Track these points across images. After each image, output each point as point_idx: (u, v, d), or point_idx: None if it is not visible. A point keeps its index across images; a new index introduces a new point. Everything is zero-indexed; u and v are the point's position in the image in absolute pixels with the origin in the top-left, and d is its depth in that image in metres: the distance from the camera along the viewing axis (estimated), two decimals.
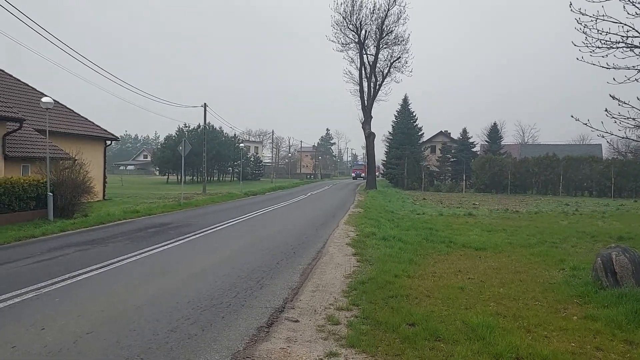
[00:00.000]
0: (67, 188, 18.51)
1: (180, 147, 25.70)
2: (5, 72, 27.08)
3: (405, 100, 64.04)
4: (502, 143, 64.75)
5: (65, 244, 12.27)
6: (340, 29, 46.39)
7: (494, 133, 63.39)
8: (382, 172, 74.39)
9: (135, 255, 10.63)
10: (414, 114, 63.78)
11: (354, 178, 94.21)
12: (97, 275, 8.77)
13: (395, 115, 64.82)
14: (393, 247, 11.58)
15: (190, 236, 13.62)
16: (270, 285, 8.12)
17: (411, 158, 56.66)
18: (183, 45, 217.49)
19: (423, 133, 65.61)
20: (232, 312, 6.59)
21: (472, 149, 63.40)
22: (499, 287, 7.97)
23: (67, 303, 6.99)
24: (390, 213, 22.07)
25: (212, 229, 15.36)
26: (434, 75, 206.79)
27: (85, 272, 8.87)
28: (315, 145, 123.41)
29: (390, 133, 65.80)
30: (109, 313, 6.53)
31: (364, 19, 45.87)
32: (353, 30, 46.28)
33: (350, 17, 45.77)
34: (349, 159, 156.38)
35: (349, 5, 45.90)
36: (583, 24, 8.98)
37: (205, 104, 41.97)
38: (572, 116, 9.53)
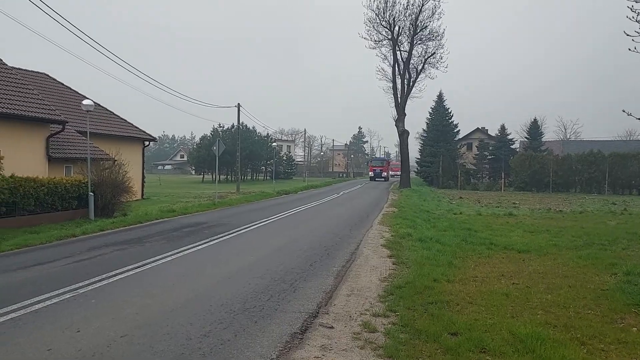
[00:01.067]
0: (107, 188, 18.87)
1: (215, 147, 25.89)
2: (49, 76, 27.95)
3: (440, 96, 62.96)
4: (543, 139, 62.77)
5: (104, 243, 12.43)
6: (373, 26, 45.91)
7: (534, 129, 61.52)
8: (415, 170, 73.36)
9: (171, 255, 10.65)
10: (449, 111, 62.63)
11: (372, 179, 70.72)
12: (133, 275, 8.79)
13: (429, 112, 63.84)
14: (430, 249, 11.20)
15: (224, 236, 13.60)
16: (304, 288, 7.93)
17: (446, 156, 55.61)
18: (217, 46, 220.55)
19: (459, 130, 64.39)
20: (265, 316, 6.43)
21: (511, 146, 61.73)
22: (547, 294, 7.53)
23: (103, 304, 6.98)
24: (426, 213, 21.55)
25: (246, 228, 15.32)
26: (471, 70, 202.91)
27: (121, 273, 8.91)
28: (348, 143, 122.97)
29: (424, 130, 64.90)
30: (143, 316, 6.47)
31: (397, 15, 45.25)
32: (386, 27, 45.70)
33: (383, 13, 45.23)
34: (382, 156, 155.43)
35: (381, 1, 45.25)
36: (637, 11, 8.40)
37: (238, 104, 42.29)
38: (623, 110, 8.97)
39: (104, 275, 8.64)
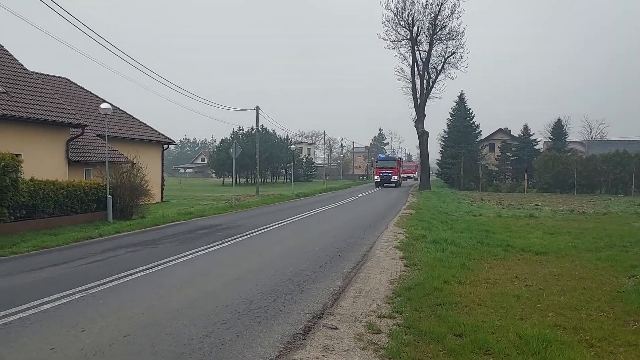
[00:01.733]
0: (125, 191, 19.12)
1: (232, 150, 26.04)
2: (70, 81, 28.53)
3: (461, 97, 62.25)
4: (567, 140, 61.55)
5: (119, 245, 12.57)
6: (392, 26, 45.61)
7: (558, 129, 60.36)
8: (436, 172, 72.13)
9: (182, 256, 10.70)
10: (470, 111, 61.86)
11: (379, 183, 54.62)
12: (143, 276, 8.84)
13: (450, 113, 63.16)
14: (444, 251, 11.02)
15: (238, 238, 13.62)
16: (311, 289, 7.86)
17: (468, 157, 54.92)
18: (237, 48, 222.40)
19: (480, 131, 63.57)
20: (269, 317, 6.38)
21: (534, 147, 60.62)
22: (560, 296, 7.31)
23: (110, 305, 7.03)
24: (444, 214, 21.28)
25: (260, 230, 15.33)
26: (494, 70, 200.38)
27: (131, 274, 8.97)
28: (368, 145, 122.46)
29: (445, 131, 64.19)
30: (148, 316, 6.49)
31: (416, 14, 44.89)
32: (405, 27, 45.40)
33: (402, 13, 44.94)
34: (404, 159, 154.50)
35: (400, 1, 44.88)
36: None
37: (257, 106, 42.51)
38: None
39: (114, 277, 8.71)
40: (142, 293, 7.71)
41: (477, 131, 62.67)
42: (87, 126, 21.31)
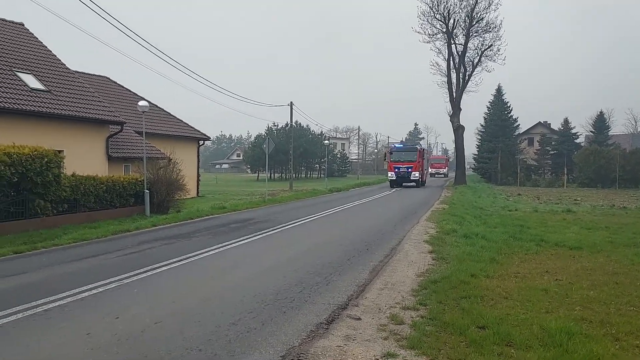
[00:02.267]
0: (162, 186, 19.66)
1: (265, 145, 26.38)
2: (110, 79, 29.48)
3: (498, 90, 60.93)
4: (610, 133, 59.37)
5: (154, 237, 12.99)
6: (427, 19, 44.91)
7: (600, 122, 58.29)
8: (472, 167, 70.18)
9: (214, 249, 10.99)
10: (508, 105, 60.50)
11: (394, 182, 40.77)
12: (176, 268, 9.14)
13: (487, 107, 61.91)
14: (474, 245, 10.92)
15: (269, 231, 13.86)
16: (338, 281, 7.96)
17: (505, 151, 53.74)
18: (271, 45, 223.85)
19: (519, 124, 62.11)
20: (294, 307, 6.52)
21: (575, 141, 58.79)
22: (589, 290, 7.17)
23: (144, 294, 7.33)
24: (479, 209, 21.00)
25: (291, 224, 15.53)
26: (532, 62, 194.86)
27: (165, 265, 9.29)
28: (403, 140, 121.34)
29: (482, 125, 63.00)
30: (179, 304, 6.75)
31: (451, 7, 44.09)
32: (440, 20, 44.69)
33: (437, 6, 44.24)
34: (439, 153, 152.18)
35: None
36: None
37: (291, 102, 42.77)
38: None
39: (149, 268, 9.04)
40: (174, 283, 8.00)
41: (515, 125, 61.24)
42: (126, 123, 21.99)
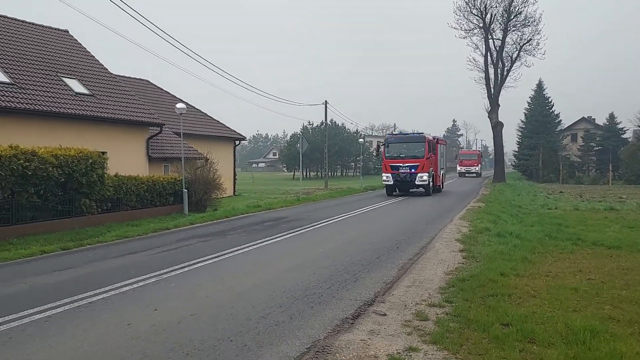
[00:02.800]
0: (199, 185, 20.27)
1: (299, 145, 26.69)
2: (149, 82, 30.47)
3: (539, 85, 59.46)
4: None
5: (192, 235, 13.46)
6: (463, 15, 44.22)
7: None
8: (512, 164, 68.12)
9: (247, 246, 11.33)
10: (549, 100, 58.95)
11: (391, 189, 28.77)
12: (211, 264, 9.51)
13: (528, 102, 60.56)
14: (507, 244, 10.83)
15: (301, 230, 14.12)
16: (366, 279, 8.12)
17: (547, 148, 52.43)
18: (306, 43, 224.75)
19: (560, 120, 60.48)
20: (322, 302, 6.73)
21: (622, 136, 56.71)
22: (622, 289, 7.06)
23: (180, 288, 7.70)
24: (517, 208, 20.66)
25: (323, 222, 15.75)
26: (575, 55, 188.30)
27: (201, 261, 9.67)
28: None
29: (522, 121, 61.59)
30: (213, 298, 7.07)
31: (488, 2, 43.30)
32: (477, 15, 43.96)
33: (474, 1, 43.54)
34: (479, 150, 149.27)
35: None
36: None
37: (325, 101, 43.03)
38: None
39: (185, 263, 9.44)
40: (208, 278, 8.34)
41: (556, 120, 59.67)
42: (165, 125, 22.75)
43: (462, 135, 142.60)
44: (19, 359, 4.96)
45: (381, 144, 29.73)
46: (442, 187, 32.72)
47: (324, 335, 5.49)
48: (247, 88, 73.48)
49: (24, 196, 13.04)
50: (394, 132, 34.89)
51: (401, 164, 27.44)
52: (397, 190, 28.68)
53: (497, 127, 44.98)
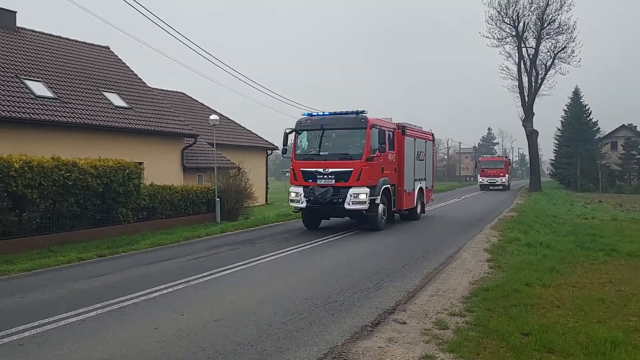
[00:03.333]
0: (231, 194, 20.64)
1: None
2: (185, 94, 31.35)
3: (576, 92, 57.99)
4: None
5: (222, 243, 13.78)
6: (495, 23, 43.75)
7: None
8: (549, 172, 65.87)
9: (274, 254, 11.53)
10: (586, 107, 57.41)
11: (308, 217, 16.48)
12: (237, 271, 9.74)
13: (564, 110, 59.10)
14: (536, 254, 10.69)
15: (328, 238, 14.21)
16: (388, 287, 8.17)
17: (585, 156, 50.92)
18: (337, 54, 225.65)
19: (599, 128, 58.74)
20: (342, 310, 6.83)
21: None
22: None
23: (207, 294, 7.95)
24: (551, 218, 20.26)
25: (350, 232, 15.80)
26: (612, 62, 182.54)
27: (228, 269, 9.91)
28: (476, 146, 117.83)
29: (559, 129, 60.14)
30: (236, 305, 7.27)
31: (521, 10, 42.74)
32: (509, 24, 43.45)
33: (506, 10, 43.06)
34: (516, 159, 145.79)
35: None
36: None
37: (357, 110, 43.16)
38: None
39: (213, 271, 9.70)
40: (234, 285, 8.58)
41: (595, 128, 58.01)
42: (199, 136, 23.35)
43: (497, 143, 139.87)
44: (53, 359, 5.26)
45: (289, 131, 16.57)
46: (419, 211, 19.79)
47: (341, 341, 5.60)
48: (277, 98, 74.34)
49: (64, 205, 13.64)
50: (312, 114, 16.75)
51: (320, 170, 15.45)
52: (310, 220, 16.89)
53: (531, 136, 44.16)
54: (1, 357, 5.41)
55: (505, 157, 58.54)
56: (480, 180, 49.18)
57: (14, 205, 12.60)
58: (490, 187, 47.15)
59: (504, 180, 47.63)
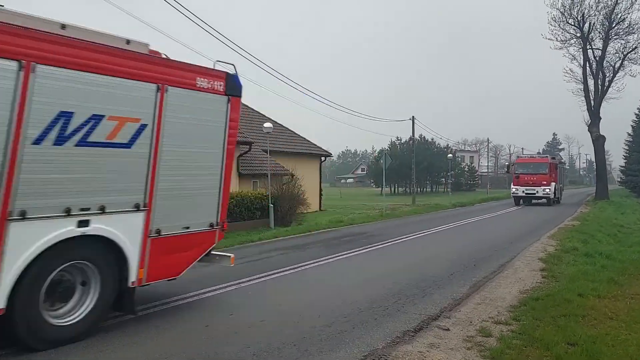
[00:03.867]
0: (285, 200, 21.09)
1: (382, 161, 26.85)
2: (241, 103, 32.28)
3: None
4: None
5: (273, 248, 14.11)
6: (559, 25, 42.04)
7: None
8: (619, 180, 62.04)
9: (323, 260, 11.71)
10: None
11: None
12: (287, 275, 9.99)
13: (636, 114, 55.78)
14: (594, 265, 10.28)
15: (378, 245, 14.24)
16: (434, 294, 8.13)
17: None
18: (394, 61, 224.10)
19: None
20: (386, 315, 6.90)
21: None
22: None
23: (256, 296, 8.23)
24: (618, 227, 19.30)
25: (402, 239, 15.74)
26: None
27: (278, 272, 10.18)
28: (540, 152, 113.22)
29: (629, 135, 56.94)
30: (284, 306, 7.50)
31: (586, 10, 40.84)
32: (574, 25, 41.60)
33: (570, 10, 41.28)
34: (583, 165, 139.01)
35: None
36: None
37: (413, 117, 42.82)
38: None
39: (264, 274, 9.99)
40: (282, 288, 8.82)
41: None
42: (253, 143, 23.99)
43: (563, 149, 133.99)
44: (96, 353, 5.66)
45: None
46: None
47: (382, 345, 5.68)
48: (330, 105, 74.85)
49: None
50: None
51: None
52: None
53: (598, 141, 42.03)
54: None
55: (552, 157, 38.78)
56: (513, 190, 35.03)
57: None
58: (526, 201, 34.91)
59: (547, 190, 33.48)
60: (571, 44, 42.72)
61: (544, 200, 34.61)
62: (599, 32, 41.39)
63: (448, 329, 6.26)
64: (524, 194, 34.34)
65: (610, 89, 42.43)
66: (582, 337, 5.55)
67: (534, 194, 34.10)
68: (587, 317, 6.48)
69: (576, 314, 6.60)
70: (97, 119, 5.75)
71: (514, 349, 5.34)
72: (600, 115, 42.47)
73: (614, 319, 6.41)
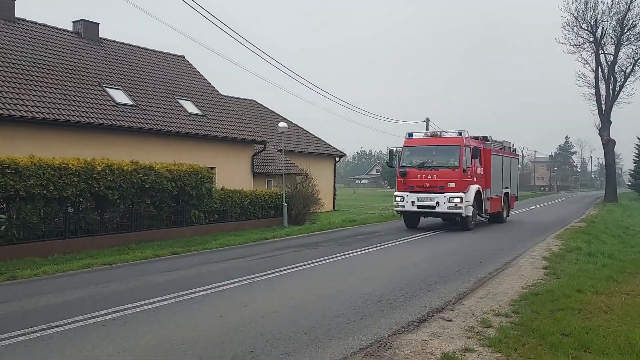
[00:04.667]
0: (299, 199, 21.48)
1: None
2: (256, 102, 32.82)
3: None
4: None
5: (287, 245, 14.55)
6: (572, 29, 42.27)
7: None
8: (629, 183, 61.65)
9: (335, 257, 12.13)
10: None
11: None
12: (299, 271, 10.42)
13: None
14: (596, 263, 10.59)
15: (389, 243, 14.64)
16: (440, 289, 8.51)
17: None
18: (407, 63, 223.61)
19: None
20: (393, 307, 7.29)
21: None
22: None
23: (269, 289, 8.66)
24: (623, 229, 19.56)
25: (413, 237, 16.10)
26: None
27: (291, 268, 10.60)
28: (552, 155, 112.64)
29: (639, 139, 56.73)
30: (295, 300, 7.91)
31: (599, 15, 41.07)
32: (587, 30, 41.84)
33: (583, 15, 41.50)
34: (595, 168, 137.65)
35: (581, 3, 41.43)
36: None
37: (427, 118, 43.26)
38: None
39: (277, 269, 10.43)
40: (295, 283, 9.25)
41: None
42: (268, 142, 24.47)
43: (575, 152, 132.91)
44: (130, 338, 6.09)
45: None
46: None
47: (388, 333, 6.07)
48: (345, 106, 75.25)
49: (142, 206, 14.95)
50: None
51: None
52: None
53: (608, 145, 42.23)
54: (88, 336, 6.32)
55: (474, 137, 20.38)
56: (398, 200, 19.30)
57: (96, 205, 14.00)
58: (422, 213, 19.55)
59: (457, 200, 17.97)
60: (584, 49, 42.91)
61: (446, 215, 18.88)
62: (611, 37, 41.70)
63: (451, 320, 6.64)
64: (416, 208, 18.86)
65: (621, 94, 42.72)
66: (576, 328, 5.89)
67: (431, 207, 18.50)
68: (583, 311, 6.81)
69: (573, 307, 6.94)
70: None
71: (511, 338, 5.70)
72: (611, 119, 42.59)
73: (608, 313, 6.73)
